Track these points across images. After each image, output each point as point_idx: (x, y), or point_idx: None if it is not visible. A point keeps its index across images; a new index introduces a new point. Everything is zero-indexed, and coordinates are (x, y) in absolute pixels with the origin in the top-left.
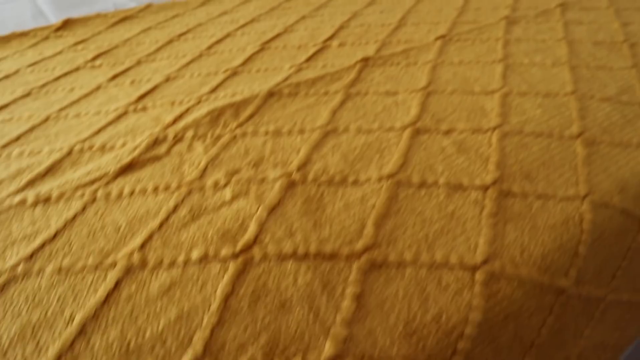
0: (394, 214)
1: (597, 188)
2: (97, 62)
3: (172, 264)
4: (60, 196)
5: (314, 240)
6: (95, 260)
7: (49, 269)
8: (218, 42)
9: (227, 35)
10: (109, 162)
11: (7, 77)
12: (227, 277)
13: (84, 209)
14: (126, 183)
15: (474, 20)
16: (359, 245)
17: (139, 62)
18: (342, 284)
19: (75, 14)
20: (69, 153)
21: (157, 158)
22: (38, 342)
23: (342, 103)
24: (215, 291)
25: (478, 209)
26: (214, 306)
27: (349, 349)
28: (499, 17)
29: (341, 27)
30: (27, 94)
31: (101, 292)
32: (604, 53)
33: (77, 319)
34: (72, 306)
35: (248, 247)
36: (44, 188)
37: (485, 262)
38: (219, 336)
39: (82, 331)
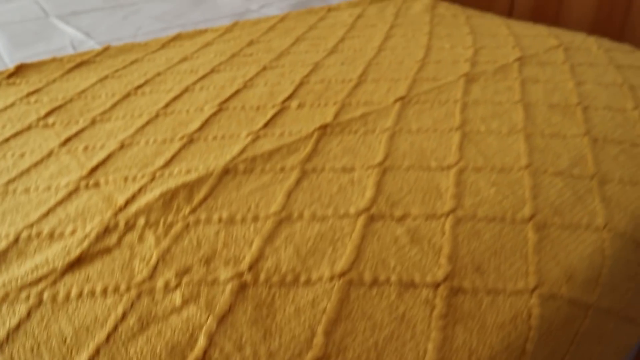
0: (344, 319)
1: (546, 278)
2: (50, 120)
3: None
4: (4, 298)
5: (263, 354)
6: None
7: None
8: (176, 98)
9: (185, 90)
10: (57, 254)
11: None
12: None
13: (28, 314)
14: (74, 282)
15: (434, 76)
16: (308, 358)
17: (93, 122)
18: None
19: (31, 51)
20: (16, 241)
21: (107, 250)
22: None
23: (298, 182)
24: None
25: (428, 309)
26: None
27: None
28: (458, 73)
29: (301, 84)
30: None
31: None
32: (558, 118)
33: None
34: None
35: None
36: None
37: None
38: None
39: None
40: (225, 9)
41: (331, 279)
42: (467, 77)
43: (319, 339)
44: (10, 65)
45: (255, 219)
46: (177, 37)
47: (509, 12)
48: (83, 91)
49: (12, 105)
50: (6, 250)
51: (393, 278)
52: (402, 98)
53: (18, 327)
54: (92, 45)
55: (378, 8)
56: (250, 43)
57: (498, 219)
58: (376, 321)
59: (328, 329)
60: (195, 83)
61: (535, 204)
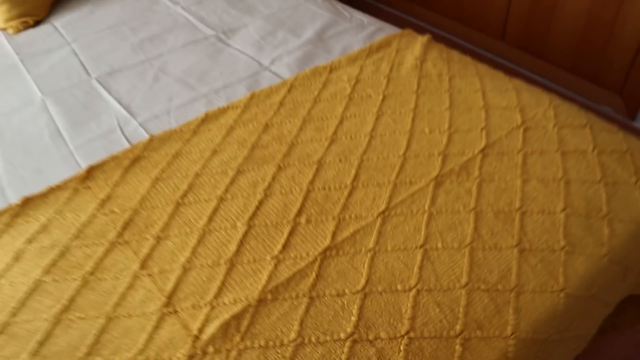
0: None
1: None
2: (126, 236)
3: None
4: None
5: None
6: None
7: None
8: (215, 211)
9: (221, 200)
10: None
11: (63, 255)
12: None
13: None
14: None
15: (410, 180)
16: None
17: (158, 239)
18: None
19: (87, 135)
20: None
21: None
22: None
23: (307, 310)
24: None
25: None
26: None
27: None
28: (430, 175)
29: (308, 192)
30: (84, 285)
31: None
32: (499, 227)
33: None
34: None
35: None
36: None
37: None
38: None
39: None
40: (240, 66)
41: None
42: (437, 180)
43: None
44: (76, 154)
45: (281, 344)
46: (205, 120)
47: (507, 8)
48: (143, 199)
49: (92, 219)
50: None
51: None
52: (383, 212)
53: None
54: (135, 126)
55: (374, 66)
56: (266, 128)
57: (437, 336)
58: None
59: None
60: (226, 191)
61: (465, 321)
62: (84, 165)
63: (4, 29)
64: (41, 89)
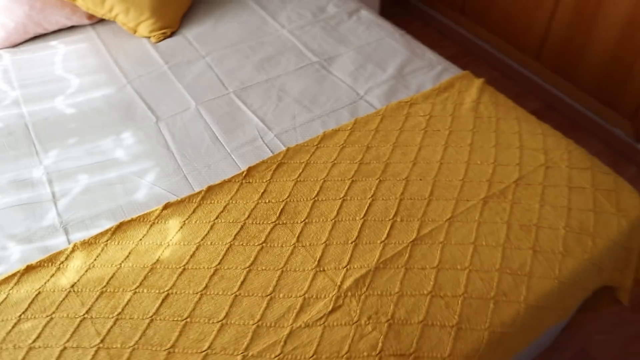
0: None
1: None
2: (283, 220)
3: None
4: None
5: None
6: None
7: None
8: (340, 209)
9: (343, 201)
10: (318, 311)
11: (242, 229)
12: None
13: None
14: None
15: (467, 197)
16: None
17: (305, 224)
18: None
19: (237, 141)
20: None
21: (339, 307)
22: None
23: (404, 276)
24: None
25: None
26: None
27: None
28: (480, 195)
29: (400, 200)
30: (262, 249)
31: None
32: (522, 235)
33: None
34: None
35: None
36: None
37: None
38: None
39: None
40: (342, 93)
41: None
42: (484, 199)
43: None
44: (232, 155)
45: (389, 294)
46: (323, 138)
47: (546, 33)
48: (290, 195)
49: (257, 205)
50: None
51: None
52: (449, 218)
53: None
54: (272, 137)
55: (442, 104)
56: (367, 149)
57: (479, 297)
58: None
59: None
60: (346, 194)
61: (497, 291)
62: (240, 165)
63: (148, 37)
64: (193, 98)
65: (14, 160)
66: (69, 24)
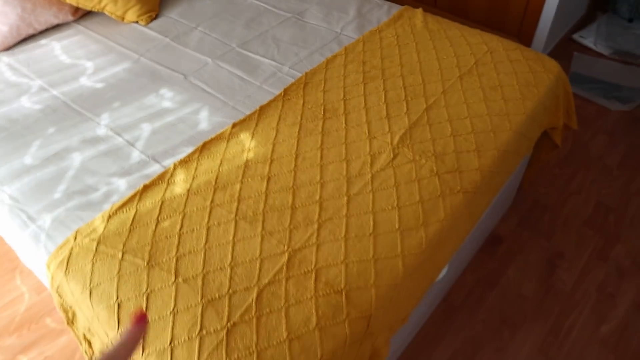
0: None
1: None
2: (327, 116)
3: None
4: None
5: None
6: None
7: None
8: (366, 106)
9: (365, 96)
10: (383, 153)
11: (301, 127)
12: None
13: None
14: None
15: (447, 78)
16: None
17: (345, 115)
18: None
19: (259, 76)
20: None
21: (397, 155)
22: None
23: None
24: None
25: None
26: None
27: None
28: (455, 75)
29: (405, 88)
30: (324, 136)
31: None
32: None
33: None
34: None
35: None
36: None
37: None
38: None
39: None
40: (324, 33)
41: None
42: (459, 77)
43: None
44: (264, 86)
45: (424, 141)
46: (327, 63)
47: None
48: (323, 101)
49: (303, 110)
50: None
51: None
52: (442, 92)
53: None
54: (287, 70)
55: (402, 28)
56: (364, 63)
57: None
58: None
59: None
60: (364, 91)
61: (469, 137)
62: (273, 91)
63: (136, 21)
64: (206, 56)
65: (73, 127)
66: (56, 22)
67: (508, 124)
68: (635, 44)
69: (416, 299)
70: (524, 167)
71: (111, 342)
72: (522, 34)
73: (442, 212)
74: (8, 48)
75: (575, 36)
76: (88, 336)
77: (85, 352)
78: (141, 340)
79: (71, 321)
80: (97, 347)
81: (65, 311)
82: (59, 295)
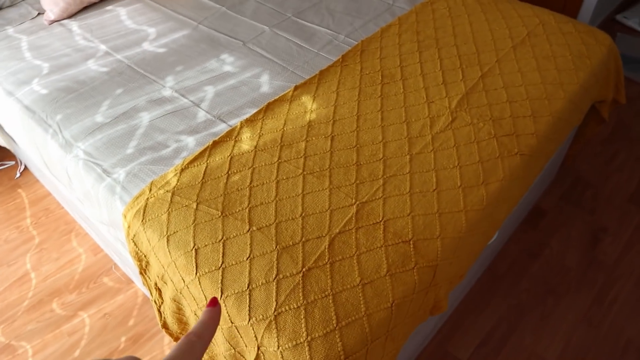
0: None
1: None
2: (385, 81)
3: None
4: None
5: None
6: None
7: None
8: (422, 71)
9: (421, 64)
10: (442, 116)
11: (361, 91)
12: None
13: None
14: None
15: (501, 47)
16: None
17: (403, 81)
18: None
19: (315, 44)
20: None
21: (455, 117)
22: None
23: (472, 89)
24: None
25: None
26: None
27: None
28: (508, 45)
29: (445, 61)
30: (384, 100)
31: None
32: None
33: None
34: None
35: None
36: None
37: None
38: None
39: None
40: (377, 4)
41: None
42: (512, 47)
43: None
44: (321, 52)
45: (480, 106)
46: (381, 32)
47: None
48: (380, 68)
49: (361, 75)
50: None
51: None
52: (496, 61)
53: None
54: (342, 38)
55: (453, 1)
56: (418, 33)
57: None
58: None
59: None
60: (419, 59)
61: (519, 112)
62: (331, 58)
63: None
64: (263, 24)
65: (139, 88)
66: None
67: (562, 93)
68: None
69: (474, 256)
70: (568, 143)
71: (187, 289)
72: (566, 13)
73: (501, 172)
74: (71, 16)
75: (619, 17)
76: (159, 284)
77: (155, 301)
78: (219, 322)
79: (144, 270)
80: (168, 295)
81: (140, 260)
82: (135, 243)
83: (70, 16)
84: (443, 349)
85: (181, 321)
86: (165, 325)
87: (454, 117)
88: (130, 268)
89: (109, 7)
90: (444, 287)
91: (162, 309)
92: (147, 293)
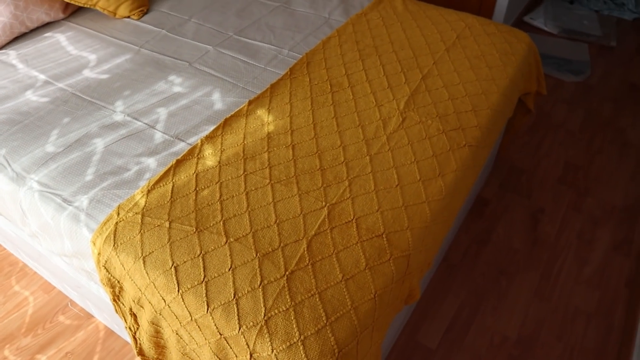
0: None
1: None
2: (346, 85)
3: None
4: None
5: None
6: None
7: None
8: (368, 78)
9: (371, 70)
10: (392, 111)
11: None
12: None
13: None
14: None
15: (433, 51)
16: None
17: (364, 85)
18: None
19: (261, 60)
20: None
21: (406, 118)
22: None
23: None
24: None
25: None
26: None
27: None
28: (441, 49)
29: (400, 62)
30: (335, 94)
31: None
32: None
33: None
34: None
35: None
36: None
37: None
38: None
39: None
40: (313, 19)
41: None
42: (446, 49)
43: None
44: (268, 67)
45: (426, 105)
46: (323, 45)
47: None
48: (328, 77)
49: (316, 82)
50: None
51: None
52: (434, 63)
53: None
54: (286, 52)
55: (384, 11)
56: (357, 43)
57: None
58: None
59: None
60: (364, 67)
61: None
62: (278, 72)
63: (128, 17)
64: (206, 44)
65: (88, 115)
66: (47, 19)
67: (495, 87)
68: (578, 23)
69: (438, 244)
70: (501, 136)
71: (169, 308)
72: (481, 16)
73: (454, 163)
74: (2, 46)
75: (526, 18)
76: (135, 309)
77: (130, 328)
78: None
79: (117, 296)
80: (145, 319)
81: (113, 286)
82: (107, 269)
83: (1, 47)
84: (414, 340)
85: (159, 345)
86: (141, 352)
87: (404, 117)
88: (91, 301)
89: (47, 34)
90: (416, 275)
91: (137, 335)
92: (113, 325)
